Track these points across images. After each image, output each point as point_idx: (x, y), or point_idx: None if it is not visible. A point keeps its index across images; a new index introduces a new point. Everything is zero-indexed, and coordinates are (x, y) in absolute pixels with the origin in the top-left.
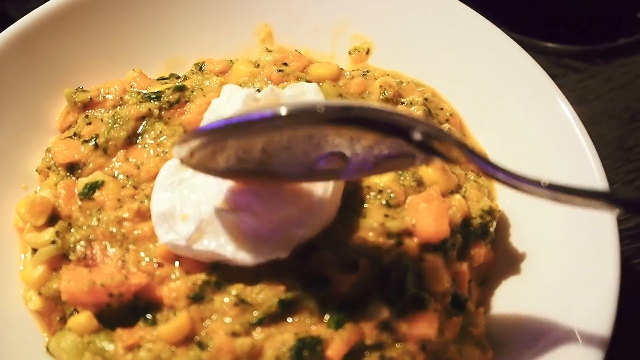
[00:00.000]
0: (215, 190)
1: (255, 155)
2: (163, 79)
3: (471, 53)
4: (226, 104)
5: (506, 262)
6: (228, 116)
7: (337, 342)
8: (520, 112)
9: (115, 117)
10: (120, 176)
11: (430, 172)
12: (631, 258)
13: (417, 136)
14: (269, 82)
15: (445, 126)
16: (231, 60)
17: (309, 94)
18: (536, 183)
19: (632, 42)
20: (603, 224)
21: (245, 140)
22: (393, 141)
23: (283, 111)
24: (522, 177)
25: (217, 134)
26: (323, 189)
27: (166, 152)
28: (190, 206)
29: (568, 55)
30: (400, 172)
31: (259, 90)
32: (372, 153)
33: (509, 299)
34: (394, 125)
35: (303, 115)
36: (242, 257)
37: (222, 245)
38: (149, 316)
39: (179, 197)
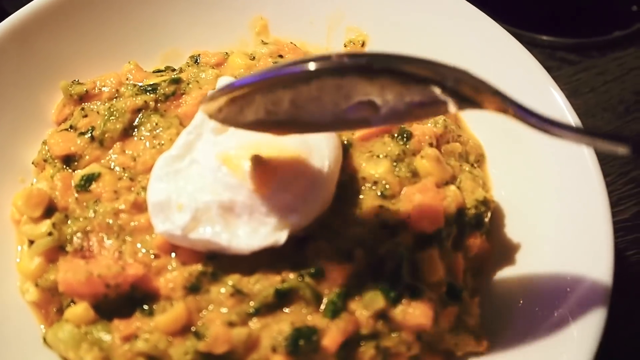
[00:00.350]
0: (210, 180)
1: (284, 107)
2: (159, 71)
3: (466, 45)
4: None
5: (501, 252)
6: (256, 72)
7: (333, 332)
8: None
9: (112, 110)
10: (117, 168)
11: (425, 163)
12: (625, 250)
13: (450, 83)
14: None
15: (441, 117)
16: (226, 53)
17: None
18: (566, 127)
19: (627, 34)
20: (597, 215)
21: (273, 94)
22: (424, 88)
23: (311, 66)
24: (553, 122)
25: (245, 89)
26: (318, 176)
27: (162, 144)
28: (185, 196)
29: (563, 48)
30: (395, 164)
31: None
32: (404, 100)
33: (504, 289)
34: (423, 77)
35: (330, 69)
36: (238, 244)
37: (218, 233)
38: (145, 307)
39: (175, 187)
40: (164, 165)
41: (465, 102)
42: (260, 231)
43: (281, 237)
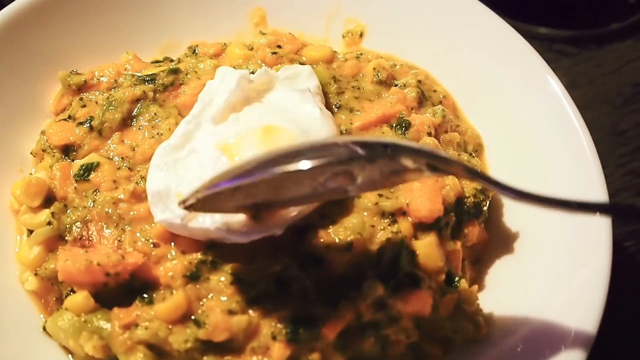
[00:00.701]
0: (209, 169)
1: (263, 191)
2: (157, 62)
3: (464, 35)
4: (220, 85)
5: (499, 241)
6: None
7: (333, 320)
8: (513, 95)
9: (110, 100)
10: (116, 158)
11: None
12: (623, 241)
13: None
14: (263, 64)
15: (439, 107)
16: (224, 44)
17: (303, 76)
18: (542, 199)
19: (624, 27)
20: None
21: (256, 187)
22: (399, 163)
23: (304, 165)
24: (528, 195)
25: (231, 188)
26: None
27: (161, 134)
28: (185, 185)
29: (560, 41)
30: None
31: (252, 72)
32: (380, 171)
33: (502, 278)
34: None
35: (325, 165)
36: (237, 234)
37: (217, 222)
38: (145, 295)
39: (174, 176)
40: (163, 155)
41: (440, 172)
42: (259, 221)
43: (280, 227)
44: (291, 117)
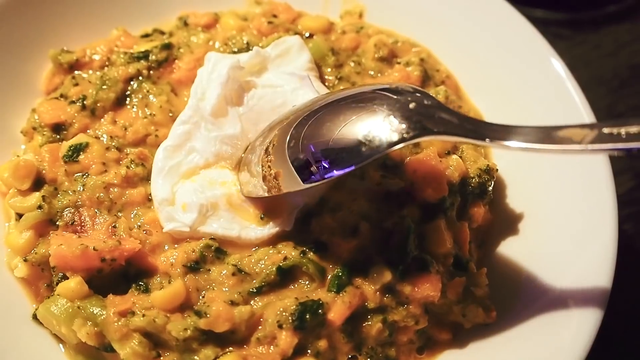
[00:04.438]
0: (214, 174)
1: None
2: (147, 35)
3: (466, 16)
4: (211, 74)
5: (504, 223)
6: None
7: (339, 305)
8: (516, 75)
9: (104, 79)
10: (104, 136)
11: None
12: (622, 224)
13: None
14: (259, 34)
15: (442, 88)
16: (216, 14)
17: (294, 49)
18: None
19: (621, 9)
20: (599, 184)
21: None
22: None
23: None
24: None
25: None
26: None
27: (154, 115)
28: (188, 195)
29: (556, 23)
30: None
31: (248, 45)
32: None
33: (508, 260)
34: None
35: None
36: (247, 235)
37: (226, 226)
38: (141, 283)
39: (177, 186)
40: (164, 158)
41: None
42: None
43: (289, 222)
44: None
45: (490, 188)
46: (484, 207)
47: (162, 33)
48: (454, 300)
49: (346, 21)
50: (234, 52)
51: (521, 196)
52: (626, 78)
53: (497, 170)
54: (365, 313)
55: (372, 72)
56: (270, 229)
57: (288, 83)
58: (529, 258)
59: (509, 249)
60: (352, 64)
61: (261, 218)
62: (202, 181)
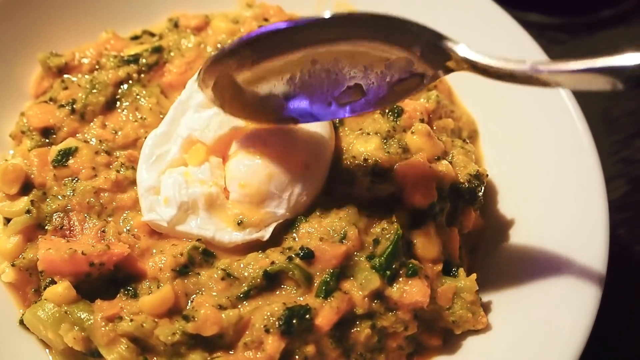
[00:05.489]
0: (196, 173)
1: (281, 88)
2: (136, 37)
3: (460, 21)
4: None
5: (496, 229)
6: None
7: (327, 311)
8: None
9: (94, 82)
10: (93, 140)
11: (416, 138)
12: (615, 229)
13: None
14: None
15: (433, 93)
16: (207, 16)
17: None
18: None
19: (616, 14)
20: (590, 190)
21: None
22: (401, 62)
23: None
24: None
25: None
26: (306, 169)
27: (145, 119)
28: (170, 189)
29: (551, 28)
30: (385, 140)
31: None
32: (385, 80)
33: (499, 266)
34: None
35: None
36: (221, 237)
37: (202, 226)
38: (130, 288)
39: (161, 178)
40: (153, 146)
41: (439, 67)
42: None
43: (266, 232)
44: None
45: (481, 193)
46: (475, 213)
47: (152, 35)
48: (443, 306)
49: None
50: None
51: (513, 202)
52: None
53: (487, 175)
54: (353, 319)
55: None
56: (244, 236)
57: None
58: (520, 264)
59: (501, 254)
60: None
61: (238, 223)
62: (186, 176)
